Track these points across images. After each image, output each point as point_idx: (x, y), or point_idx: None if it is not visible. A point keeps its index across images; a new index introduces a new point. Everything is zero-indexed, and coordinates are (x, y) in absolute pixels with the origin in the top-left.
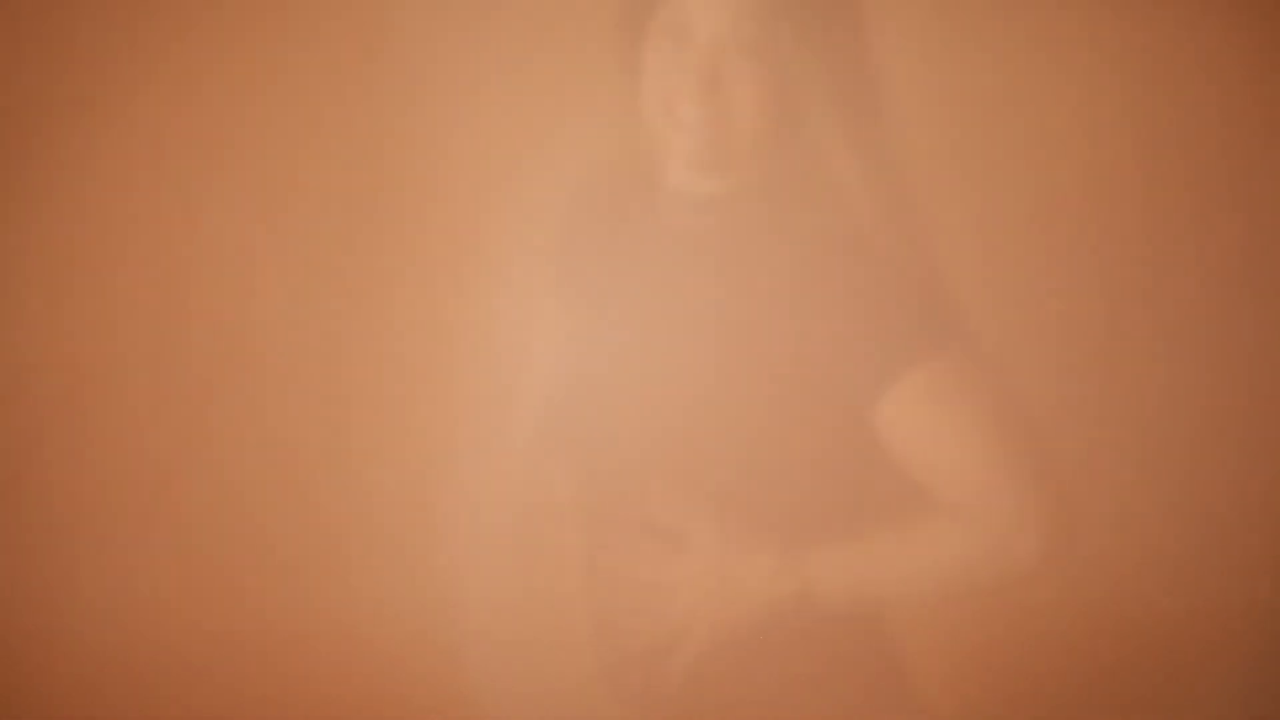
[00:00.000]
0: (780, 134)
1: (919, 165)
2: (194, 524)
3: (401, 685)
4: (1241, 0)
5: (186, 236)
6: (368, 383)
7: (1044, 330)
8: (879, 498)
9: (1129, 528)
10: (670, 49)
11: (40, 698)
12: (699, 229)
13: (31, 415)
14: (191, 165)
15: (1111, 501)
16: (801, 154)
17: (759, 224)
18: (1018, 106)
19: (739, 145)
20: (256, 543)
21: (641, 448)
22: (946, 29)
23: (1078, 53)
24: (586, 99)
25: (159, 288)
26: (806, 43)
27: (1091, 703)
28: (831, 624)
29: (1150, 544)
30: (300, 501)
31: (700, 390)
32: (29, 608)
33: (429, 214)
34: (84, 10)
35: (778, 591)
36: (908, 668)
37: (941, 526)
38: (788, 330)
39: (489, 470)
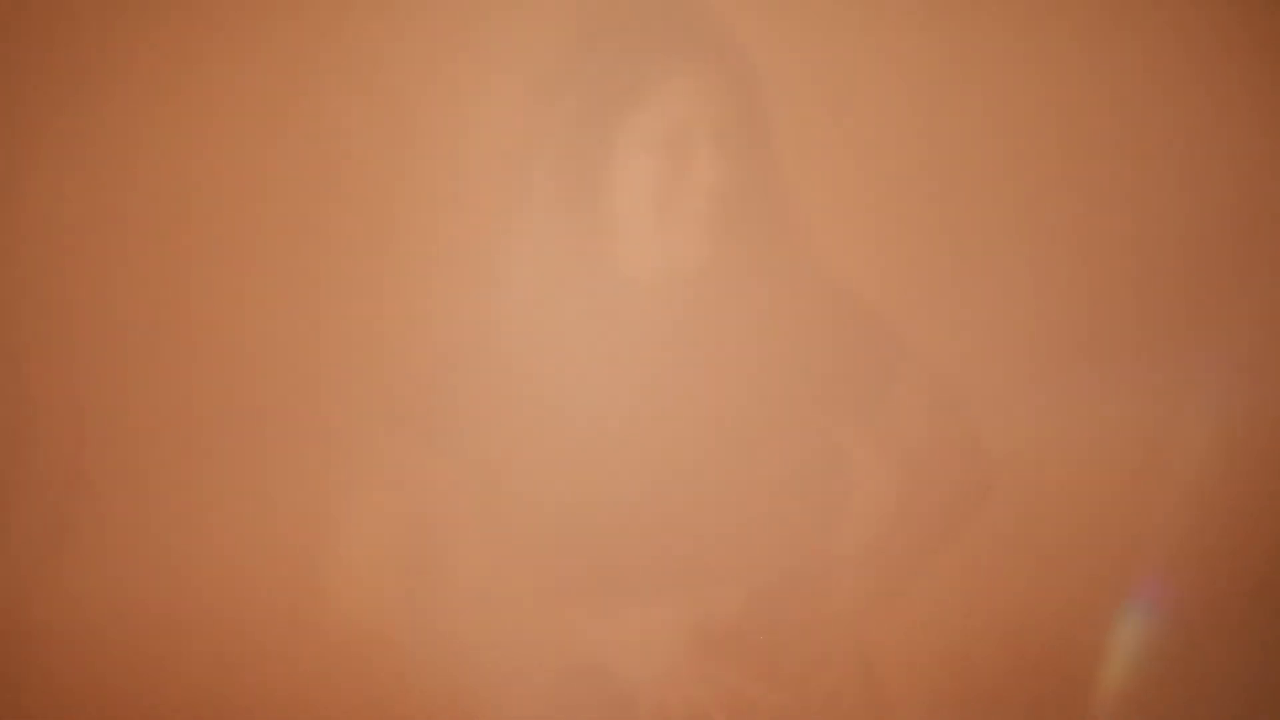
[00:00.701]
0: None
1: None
2: (190, 518)
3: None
4: None
5: (176, 230)
6: (358, 383)
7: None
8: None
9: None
10: (660, 151)
11: (38, 690)
12: (663, 310)
13: (23, 411)
14: (173, 160)
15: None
16: (754, 231)
17: (716, 301)
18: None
19: (711, 234)
20: (254, 542)
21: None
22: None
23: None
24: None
25: (152, 283)
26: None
27: None
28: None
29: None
30: (298, 501)
31: (669, 455)
32: (26, 600)
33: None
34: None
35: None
36: None
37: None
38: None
39: None
